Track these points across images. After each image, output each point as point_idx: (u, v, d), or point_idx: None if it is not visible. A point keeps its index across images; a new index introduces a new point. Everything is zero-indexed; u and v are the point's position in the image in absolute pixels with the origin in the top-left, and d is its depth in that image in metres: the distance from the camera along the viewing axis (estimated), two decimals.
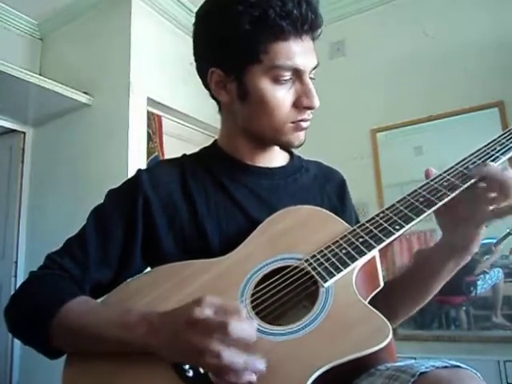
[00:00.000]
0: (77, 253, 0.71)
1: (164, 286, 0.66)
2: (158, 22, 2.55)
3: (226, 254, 0.68)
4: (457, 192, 0.64)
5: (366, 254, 0.62)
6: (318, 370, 0.50)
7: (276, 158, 0.82)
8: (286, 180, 0.81)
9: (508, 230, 2.08)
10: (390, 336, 0.52)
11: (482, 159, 0.67)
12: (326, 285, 0.60)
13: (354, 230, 0.66)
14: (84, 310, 0.63)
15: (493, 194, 0.63)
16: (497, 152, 0.67)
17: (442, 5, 2.42)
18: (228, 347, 0.48)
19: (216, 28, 0.71)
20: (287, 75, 0.68)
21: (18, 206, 2.57)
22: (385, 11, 2.58)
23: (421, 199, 0.65)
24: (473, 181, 0.64)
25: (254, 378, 0.49)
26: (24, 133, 2.64)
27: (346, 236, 0.66)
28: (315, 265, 0.63)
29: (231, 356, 0.48)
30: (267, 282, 0.63)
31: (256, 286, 0.63)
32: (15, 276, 2.46)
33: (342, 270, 0.61)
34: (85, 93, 2.39)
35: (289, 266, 0.64)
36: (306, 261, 0.64)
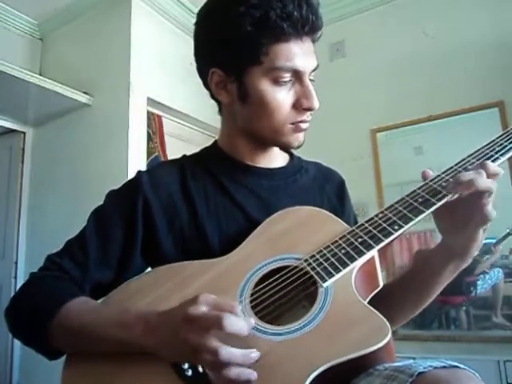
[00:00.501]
0: (77, 254, 0.71)
1: (164, 286, 0.66)
2: (158, 22, 2.55)
3: (225, 254, 0.68)
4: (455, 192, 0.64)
5: (365, 254, 0.62)
6: (316, 370, 0.50)
7: (276, 159, 0.82)
8: (286, 181, 0.81)
9: (508, 230, 2.08)
10: (389, 335, 0.52)
11: (481, 160, 0.66)
12: (324, 285, 0.60)
13: (353, 230, 0.67)
14: (83, 310, 0.63)
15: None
16: (496, 153, 0.67)
17: (441, 5, 2.42)
18: (225, 343, 0.48)
19: (217, 28, 0.71)
20: (287, 77, 0.69)
21: (18, 206, 2.57)
22: (385, 11, 2.58)
23: (419, 200, 0.65)
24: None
25: (254, 375, 0.49)
26: (24, 133, 2.64)
27: (345, 236, 0.66)
28: (314, 265, 0.63)
29: (228, 351, 0.48)
30: (266, 282, 0.63)
31: (255, 286, 0.63)
32: (15, 277, 2.47)
33: (341, 270, 0.61)
34: (85, 93, 2.39)
35: (288, 266, 0.64)
36: (306, 261, 0.64)
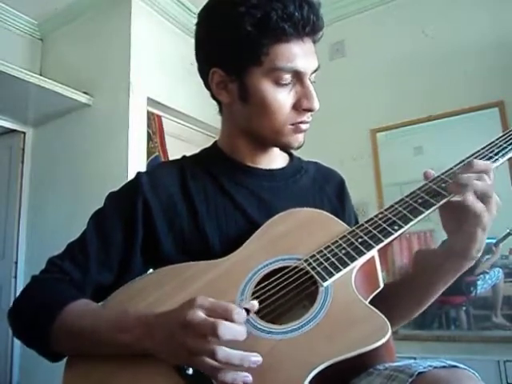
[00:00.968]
0: (77, 256, 0.71)
1: (166, 286, 0.66)
2: (158, 22, 2.55)
3: (226, 255, 0.69)
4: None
5: (365, 253, 0.62)
6: (316, 368, 0.50)
7: (276, 160, 0.82)
8: (287, 181, 0.81)
9: (508, 230, 2.08)
10: (389, 334, 0.52)
11: (483, 160, 0.66)
12: (325, 284, 0.60)
13: (353, 230, 0.67)
14: (83, 312, 0.64)
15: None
16: (495, 154, 0.68)
17: (441, 5, 2.42)
18: (222, 346, 0.49)
19: (218, 29, 0.71)
20: (288, 77, 0.69)
21: (18, 206, 2.57)
22: (384, 11, 2.58)
23: (419, 200, 0.66)
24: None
25: (249, 379, 0.49)
26: (24, 133, 2.65)
27: (345, 236, 0.66)
28: (314, 265, 0.63)
29: (226, 354, 0.49)
30: (267, 282, 0.63)
31: (256, 286, 0.63)
32: (15, 277, 2.47)
33: (341, 270, 0.61)
34: (85, 93, 2.39)
35: (288, 267, 0.65)
36: (306, 261, 0.64)
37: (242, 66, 0.70)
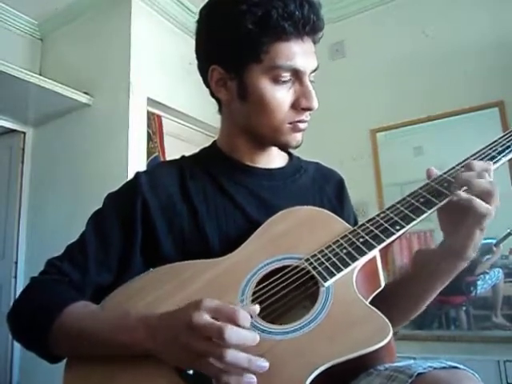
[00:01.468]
0: (77, 257, 0.71)
1: (165, 286, 0.66)
2: (158, 22, 2.55)
3: (226, 255, 0.68)
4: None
5: (366, 253, 0.62)
6: (317, 369, 0.50)
7: (275, 159, 0.82)
8: (286, 181, 0.81)
9: (508, 231, 2.08)
10: (390, 335, 0.52)
11: (483, 160, 0.66)
12: (326, 284, 0.60)
13: (355, 230, 0.67)
14: (83, 314, 0.63)
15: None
16: (498, 153, 0.68)
17: (441, 5, 2.42)
18: (229, 348, 0.48)
19: (219, 26, 0.71)
20: (287, 76, 0.69)
21: (18, 206, 2.57)
22: (384, 11, 2.58)
23: (421, 200, 0.65)
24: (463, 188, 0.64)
25: (254, 380, 0.49)
26: (24, 133, 2.65)
27: (346, 236, 0.66)
28: (316, 264, 0.63)
29: (234, 357, 0.48)
30: (268, 282, 0.63)
31: (257, 286, 0.63)
32: (15, 277, 2.47)
33: (342, 270, 0.61)
34: (85, 93, 2.39)
35: (289, 266, 0.64)
36: (307, 260, 0.64)
37: (241, 64, 0.70)
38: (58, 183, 2.47)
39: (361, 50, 2.64)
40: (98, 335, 0.59)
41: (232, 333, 0.48)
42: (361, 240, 0.64)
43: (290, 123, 0.72)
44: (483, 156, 0.68)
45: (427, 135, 2.39)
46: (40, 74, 2.45)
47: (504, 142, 0.69)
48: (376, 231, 0.65)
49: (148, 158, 2.36)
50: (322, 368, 0.50)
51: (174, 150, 2.55)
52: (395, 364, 0.54)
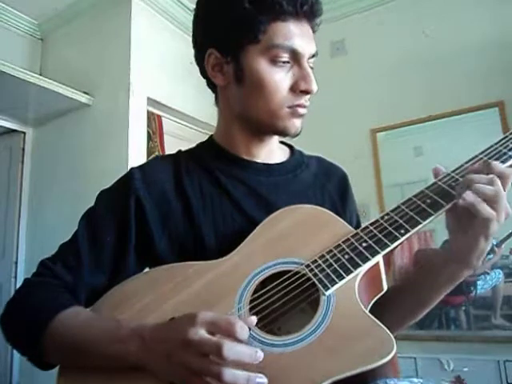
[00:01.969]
0: (69, 259, 0.69)
1: (159, 289, 0.63)
2: (158, 22, 2.55)
3: (222, 254, 0.66)
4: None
5: (369, 260, 0.59)
6: None
7: (275, 154, 0.79)
8: (286, 176, 0.78)
9: (511, 231, 2.07)
10: (394, 351, 0.49)
11: (493, 158, 0.62)
12: (327, 293, 0.57)
13: (357, 233, 0.63)
14: (75, 323, 0.61)
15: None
16: (509, 150, 0.63)
17: (441, 5, 2.42)
18: (227, 367, 0.47)
19: (215, 6, 0.70)
20: (285, 56, 0.67)
21: (18, 206, 2.56)
22: (385, 11, 2.58)
23: (428, 201, 0.61)
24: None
25: None
26: (24, 133, 2.64)
27: (348, 240, 0.62)
28: (316, 271, 0.60)
29: (232, 376, 0.46)
30: (266, 288, 0.60)
31: (255, 292, 0.60)
32: (15, 277, 2.46)
33: (344, 278, 0.58)
34: (85, 93, 2.39)
35: (289, 271, 0.62)
36: (307, 266, 0.61)
37: (238, 45, 0.68)
38: (58, 183, 2.46)
39: (361, 49, 2.63)
40: (90, 346, 0.57)
41: (230, 349, 0.47)
42: (364, 245, 0.61)
43: (289, 107, 0.69)
44: (493, 153, 0.64)
45: (427, 135, 2.39)
46: (40, 74, 2.45)
47: None
48: (379, 235, 0.61)
49: (148, 157, 2.36)
50: None
51: (173, 150, 2.54)
52: (396, 380, 0.51)
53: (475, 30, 2.31)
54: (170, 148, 2.57)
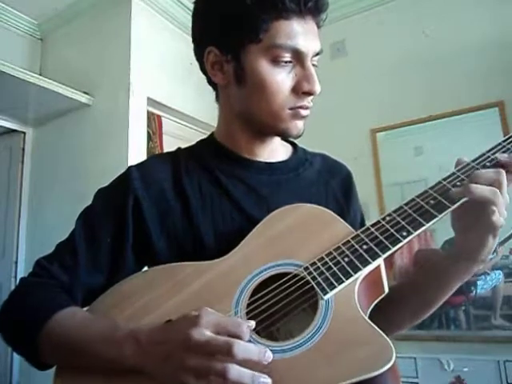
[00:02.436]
0: (66, 259, 0.68)
1: (157, 290, 0.62)
2: (158, 22, 2.55)
3: (222, 254, 0.64)
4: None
5: (370, 263, 0.57)
6: None
7: (277, 152, 0.78)
8: (288, 175, 0.76)
9: (511, 232, 2.07)
10: (394, 359, 0.48)
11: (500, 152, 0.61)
12: (325, 297, 0.56)
13: (358, 235, 0.61)
14: (71, 324, 0.60)
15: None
16: None
17: (442, 5, 2.42)
18: (232, 365, 0.46)
19: (216, 3, 0.68)
20: (287, 56, 0.64)
21: (18, 206, 2.56)
22: (385, 11, 2.58)
23: (431, 202, 0.59)
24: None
25: None
26: (24, 133, 2.64)
27: (349, 242, 0.61)
28: (315, 274, 0.58)
29: (238, 373, 0.46)
30: (264, 292, 0.59)
31: (252, 295, 0.59)
32: (15, 276, 2.46)
33: (343, 282, 0.56)
34: (85, 93, 2.39)
35: (287, 274, 0.60)
36: (306, 269, 0.59)
37: (239, 44, 0.66)
38: (58, 183, 2.46)
39: (361, 49, 2.63)
40: (86, 348, 0.57)
41: (240, 347, 0.46)
42: (364, 247, 0.59)
43: (291, 109, 0.67)
44: (501, 150, 0.63)
45: (427, 135, 2.39)
46: (40, 74, 2.45)
47: None
48: (381, 237, 0.59)
49: None
50: None
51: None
52: None
53: (475, 30, 2.31)
54: (170, 148, 2.55)
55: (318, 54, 0.68)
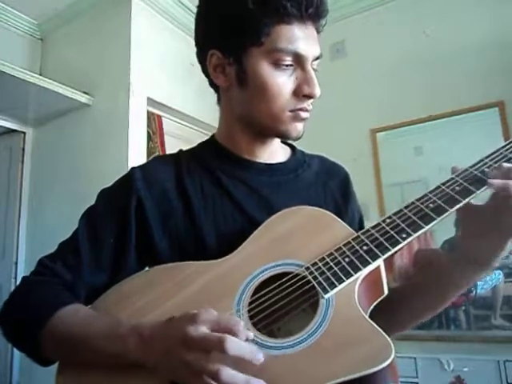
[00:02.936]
0: (69, 258, 0.69)
1: (158, 289, 0.63)
2: (158, 22, 2.55)
3: (223, 254, 0.65)
4: (470, 198, 0.60)
5: (370, 263, 0.58)
6: None
7: (276, 154, 0.79)
8: (288, 176, 0.77)
9: None
10: (392, 356, 0.49)
11: (499, 162, 0.62)
12: (326, 296, 0.57)
13: (359, 236, 0.63)
14: (74, 320, 0.61)
15: None
16: None
17: (442, 5, 2.42)
18: (226, 366, 0.46)
19: (219, 6, 0.69)
20: (288, 60, 0.66)
21: (18, 206, 2.56)
22: (385, 11, 2.58)
23: (430, 205, 0.61)
24: (485, 188, 0.60)
25: None
26: (24, 133, 2.64)
27: (349, 243, 0.62)
28: (316, 274, 0.59)
29: (230, 376, 0.46)
30: (266, 290, 0.60)
31: (254, 294, 0.60)
32: (15, 277, 2.46)
33: (344, 281, 0.57)
34: (85, 93, 2.39)
35: (289, 273, 0.61)
36: (307, 268, 0.61)
37: (241, 47, 0.67)
38: (58, 183, 2.47)
39: (361, 49, 2.64)
40: (89, 343, 0.58)
41: (232, 343, 0.46)
42: (364, 248, 0.60)
43: (291, 111, 0.69)
44: (500, 157, 0.63)
45: (427, 135, 2.39)
46: (40, 74, 2.45)
47: None
48: (381, 239, 0.60)
49: (148, 157, 2.36)
50: None
51: (174, 150, 2.54)
52: None
53: (475, 30, 2.31)
54: (171, 148, 2.58)
55: (317, 59, 0.70)
